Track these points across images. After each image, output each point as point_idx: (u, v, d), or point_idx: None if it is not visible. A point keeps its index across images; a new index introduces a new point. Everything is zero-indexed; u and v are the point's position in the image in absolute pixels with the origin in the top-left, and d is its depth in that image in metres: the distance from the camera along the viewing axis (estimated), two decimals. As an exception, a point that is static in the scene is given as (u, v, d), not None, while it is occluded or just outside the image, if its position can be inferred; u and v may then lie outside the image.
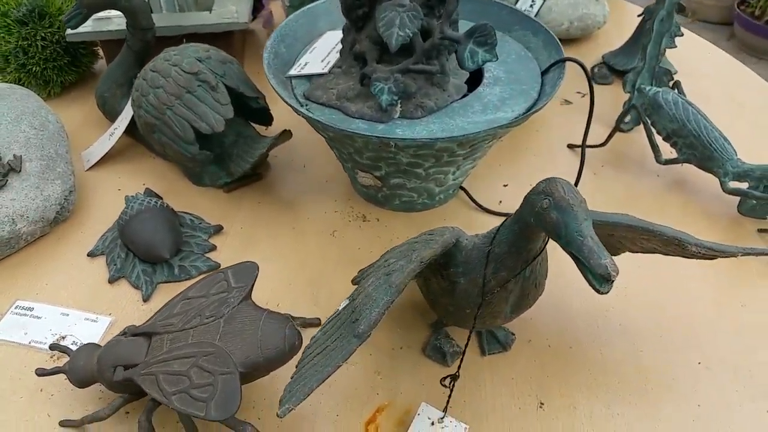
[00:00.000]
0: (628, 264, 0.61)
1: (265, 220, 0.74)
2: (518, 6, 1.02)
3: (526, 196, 0.45)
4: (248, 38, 1.07)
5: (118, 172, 0.81)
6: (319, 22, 0.77)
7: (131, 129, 0.81)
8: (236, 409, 0.46)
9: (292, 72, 0.70)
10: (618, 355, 0.59)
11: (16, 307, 0.63)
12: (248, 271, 0.54)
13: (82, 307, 0.64)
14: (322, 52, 0.73)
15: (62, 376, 0.54)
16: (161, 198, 0.73)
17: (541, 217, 0.42)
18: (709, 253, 0.52)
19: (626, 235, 0.54)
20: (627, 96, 0.85)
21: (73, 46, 0.92)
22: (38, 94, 0.86)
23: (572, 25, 1.03)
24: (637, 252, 0.58)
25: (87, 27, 0.87)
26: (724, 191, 0.72)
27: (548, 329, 0.61)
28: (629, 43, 0.99)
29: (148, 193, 0.74)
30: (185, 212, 0.73)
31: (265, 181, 0.80)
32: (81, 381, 0.52)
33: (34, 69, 0.89)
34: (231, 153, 0.77)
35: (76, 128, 0.88)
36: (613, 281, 0.39)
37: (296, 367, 0.46)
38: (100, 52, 0.98)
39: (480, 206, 0.75)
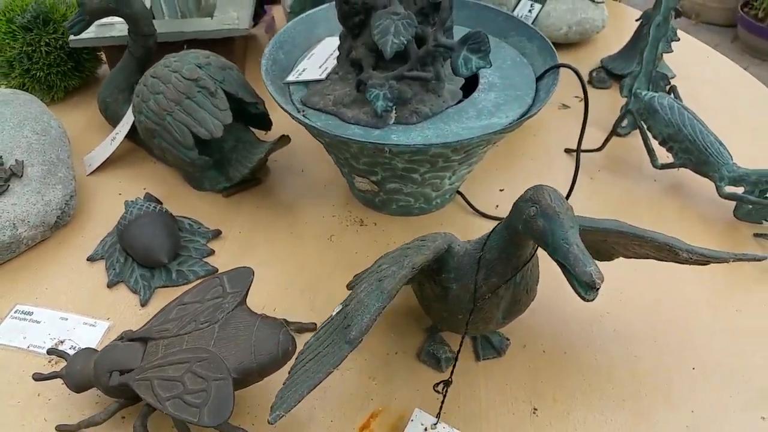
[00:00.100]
0: (623, 269, 0.62)
1: (264, 224, 0.75)
2: (517, 10, 1.02)
3: (515, 203, 0.45)
4: (250, 44, 1.08)
5: (119, 177, 0.82)
6: (318, 28, 0.78)
7: (132, 133, 0.81)
8: (229, 415, 0.46)
9: (290, 78, 0.71)
10: (612, 361, 0.59)
11: (15, 312, 0.64)
12: (243, 277, 0.55)
13: (81, 312, 0.64)
14: (320, 59, 0.73)
15: (59, 381, 0.54)
16: (161, 203, 0.73)
17: (529, 225, 0.43)
18: (702, 258, 0.53)
19: (618, 241, 0.54)
20: (624, 100, 0.86)
21: (76, 51, 0.93)
22: (42, 99, 0.87)
23: (571, 29, 1.04)
24: (631, 257, 0.58)
25: (90, 33, 0.88)
26: (720, 196, 0.72)
27: (543, 334, 0.62)
28: (627, 48, 0.99)
29: (148, 197, 0.74)
30: (184, 217, 0.74)
31: (264, 186, 0.80)
32: (78, 386, 0.53)
33: (38, 74, 0.90)
34: (230, 158, 0.77)
35: (79, 132, 0.88)
36: (598, 288, 0.39)
37: (288, 373, 0.47)
38: (104, 57, 0.98)
39: (477, 211, 0.75)
